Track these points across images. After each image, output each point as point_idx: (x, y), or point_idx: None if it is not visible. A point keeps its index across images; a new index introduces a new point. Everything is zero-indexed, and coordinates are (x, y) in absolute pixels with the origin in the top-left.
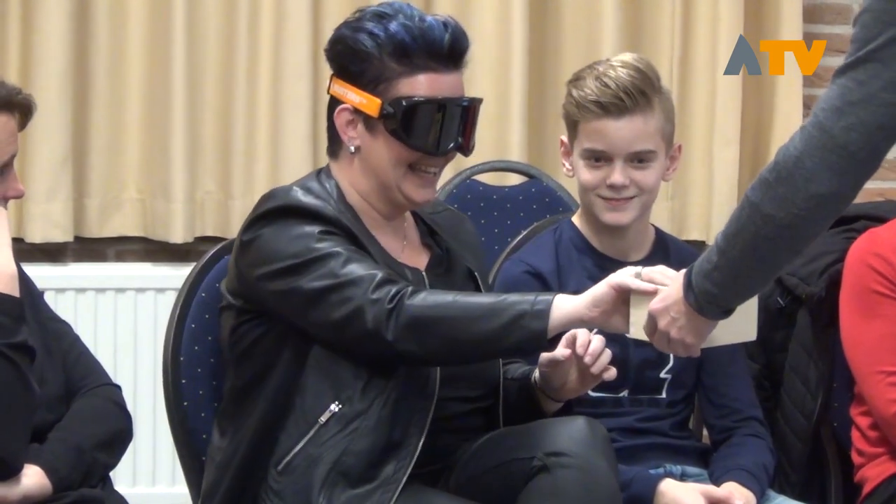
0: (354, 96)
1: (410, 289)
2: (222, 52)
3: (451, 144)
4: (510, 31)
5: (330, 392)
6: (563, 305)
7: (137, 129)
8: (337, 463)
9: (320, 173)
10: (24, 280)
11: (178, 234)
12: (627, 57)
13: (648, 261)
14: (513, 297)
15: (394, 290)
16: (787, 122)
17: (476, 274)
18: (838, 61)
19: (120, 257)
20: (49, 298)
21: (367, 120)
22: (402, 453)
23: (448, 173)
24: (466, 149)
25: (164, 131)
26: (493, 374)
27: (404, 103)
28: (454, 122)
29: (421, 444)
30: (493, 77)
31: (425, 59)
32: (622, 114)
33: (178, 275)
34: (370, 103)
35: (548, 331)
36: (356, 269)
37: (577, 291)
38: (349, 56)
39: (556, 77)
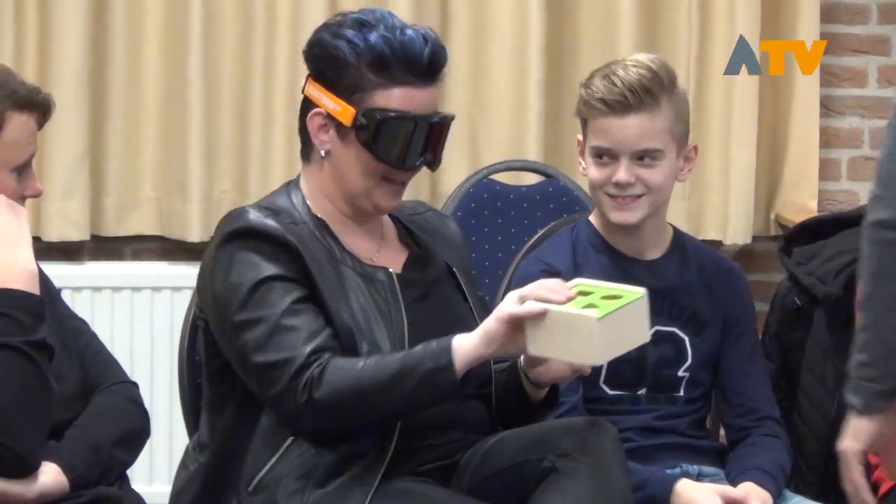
0: (329, 102)
1: (318, 371)
2: (239, 51)
3: (419, 161)
4: (527, 31)
5: None
6: (462, 349)
7: (154, 127)
8: (306, 476)
9: (290, 184)
10: (41, 278)
11: (194, 233)
12: (642, 56)
13: (665, 259)
14: (416, 355)
15: (306, 377)
16: (804, 121)
17: (455, 270)
18: (856, 61)
19: (136, 256)
20: (65, 297)
21: (340, 127)
22: (372, 455)
23: (465, 172)
24: (433, 163)
25: (180, 130)
26: (485, 366)
27: (377, 116)
28: (424, 138)
29: (393, 444)
30: (510, 76)
31: (403, 72)
32: (626, 112)
33: (194, 274)
34: (344, 111)
35: (458, 380)
36: (282, 342)
37: None
38: (327, 61)
39: (573, 77)
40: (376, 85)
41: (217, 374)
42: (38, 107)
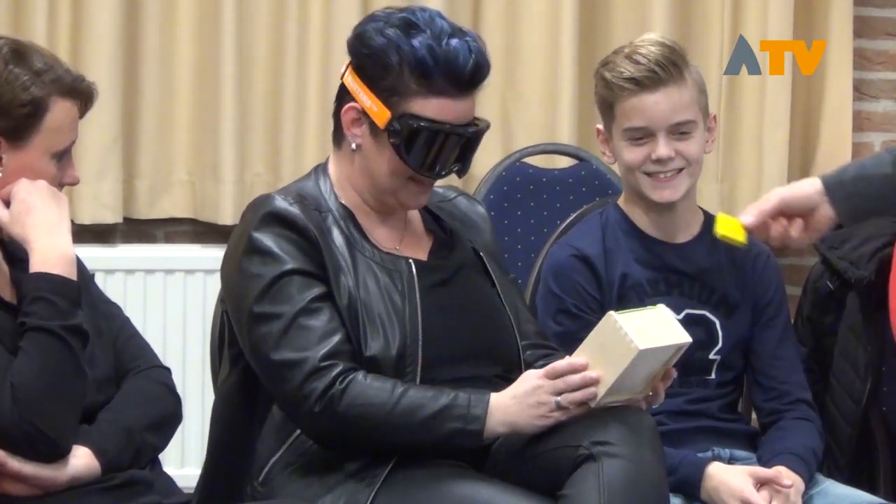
0: (366, 99)
1: (341, 387)
2: (272, 33)
3: (447, 170)
4: (560, 14)
5: None
6: (493, 422)
7: (187, 110)
8: (316, 466)
9: (318, 169)
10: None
11: (227, 216)
12: (653, 35)
13: (695, 242)
14: (452, 411)
15: (322, 386)
16: (838, 104)
17: (482, 255)
18: (890, 44)
19: (169, 239)
20: (98, 280)
21: (373, 125)
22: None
23: (498, 155)
24: (463, 172)
25: (213, 113)
26: (512, 350)
27: (412, 124)
28: (455, 149)
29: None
30: (543, 59)
31: (443, 83)
32: (657, 86)
33: None
34: (380, 112)
35: (480, 445)
36: (296, 342)
37: (624, 274)
38: (368, 58)
39: None
40: (415, 92)
41: (238, 358)
42: (82, 94)
